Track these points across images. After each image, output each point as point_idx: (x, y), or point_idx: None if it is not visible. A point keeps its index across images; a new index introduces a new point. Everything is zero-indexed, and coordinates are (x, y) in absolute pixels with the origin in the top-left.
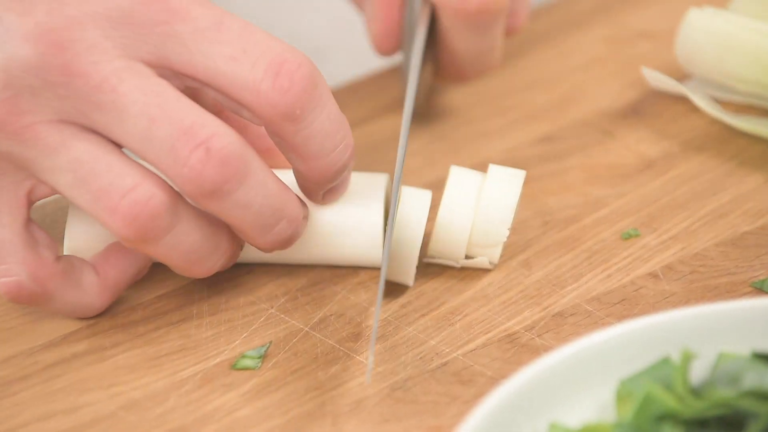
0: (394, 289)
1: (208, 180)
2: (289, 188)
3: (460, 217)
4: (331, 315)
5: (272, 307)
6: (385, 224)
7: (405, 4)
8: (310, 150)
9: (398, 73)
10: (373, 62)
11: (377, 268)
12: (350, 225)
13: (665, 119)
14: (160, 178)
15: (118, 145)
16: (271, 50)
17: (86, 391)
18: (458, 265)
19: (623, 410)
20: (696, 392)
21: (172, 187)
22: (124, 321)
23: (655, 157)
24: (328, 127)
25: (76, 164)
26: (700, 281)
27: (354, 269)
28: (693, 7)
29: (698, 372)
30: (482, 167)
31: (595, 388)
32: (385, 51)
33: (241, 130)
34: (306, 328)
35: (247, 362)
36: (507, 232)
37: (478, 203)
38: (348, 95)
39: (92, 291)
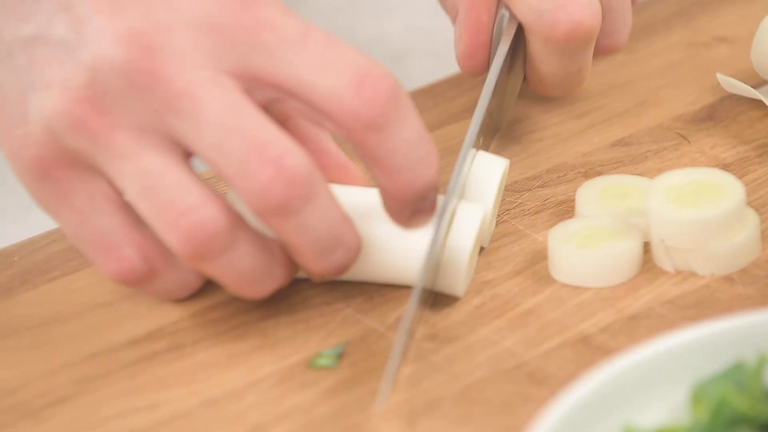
0: (468, 291)
1: (274, 197)
2: (350, 218)
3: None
4: None
5: (348, 307)
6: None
7: (492, 25)
8: (393, 163)
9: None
10: (453, 69)
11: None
12: (410, 246)
13: (741, 124)
14: (223, 200)
15: (190, 154)
16: (355, 62)
17: (166, 388)
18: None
19: (698, 413)
20: None
21: (233, 211)
22: (204, 319)
23: (730, 162)
24: (412, 140)
25: (143, 175)
26: None
27: None
28: None
29: None
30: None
31: (668, 391)
32: (470, 71)
33: (316, 153)
34: (382, 329)
35: (324, 361)
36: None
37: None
38: (424, 98)
39: (189, 268)
